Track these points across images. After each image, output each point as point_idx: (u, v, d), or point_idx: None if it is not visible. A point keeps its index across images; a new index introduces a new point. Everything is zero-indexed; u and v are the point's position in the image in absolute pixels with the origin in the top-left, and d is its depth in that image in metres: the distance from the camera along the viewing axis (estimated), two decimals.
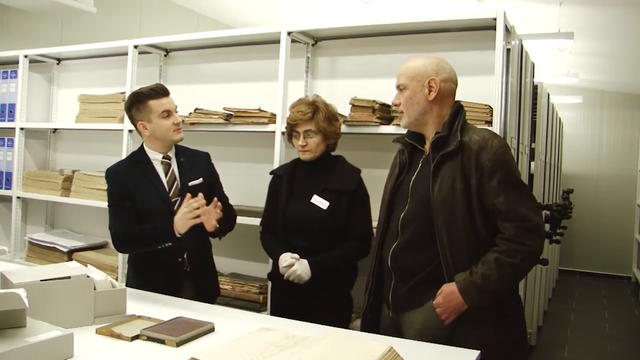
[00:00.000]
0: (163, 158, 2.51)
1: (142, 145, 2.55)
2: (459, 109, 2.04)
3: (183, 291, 2.41)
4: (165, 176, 2.50)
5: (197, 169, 2.56)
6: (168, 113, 2.44)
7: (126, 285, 2.50)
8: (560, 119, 6.83)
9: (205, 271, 2.60)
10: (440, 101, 2.02)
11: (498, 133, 2.43)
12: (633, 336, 5.53)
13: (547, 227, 4.50)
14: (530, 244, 1.90)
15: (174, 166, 2.53)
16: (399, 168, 2.14)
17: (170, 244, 2.31)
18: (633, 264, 7.94)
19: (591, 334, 5.51)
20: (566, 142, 8.25)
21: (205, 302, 2.21)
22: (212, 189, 2.56)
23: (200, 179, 2.53)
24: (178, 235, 2.27)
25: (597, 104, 8.84)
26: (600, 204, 8.67)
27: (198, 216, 2.22)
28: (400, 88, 2.06)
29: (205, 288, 2.53)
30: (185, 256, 2.48)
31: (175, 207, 2.41)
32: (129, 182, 2.45)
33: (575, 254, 8.58)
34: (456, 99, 2.09)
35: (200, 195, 2.26)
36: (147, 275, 2.49)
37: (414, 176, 2.05)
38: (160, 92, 2.45)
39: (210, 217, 2.28)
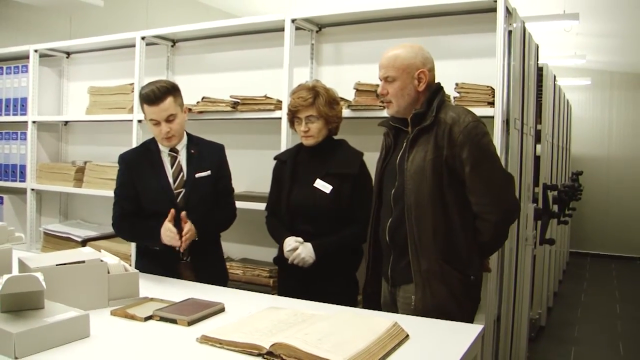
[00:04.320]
0: (170, 151, 2.52)
1: None
2: (437, 89, 2.15)
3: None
4: (171, 167, 2.51)
5: (207, 161, 2.55)
6: (156, 122, 2.42)
7: None
8: (568, 100, 6.80)
9: (208, 262, 2.55)
10: (426, 89, 2.13)
11: (500, 114, 2.48)
12: None
13: (555, 208, 4.52)
14: (490, 218, 2.03)
15: (181, 158, 2.53)
16: (385, 150, 2.25)
17: (157, 248, 2.39)
18: None
19: (601, 314, 5.53)
20: (575, 124, 8.20)
21: None
22: (219, 181, 2.58)
23: (209, 172, 2.53)
24: (163, 244, 2.33)
25: (606, 85, 8.77)
26: (611, 186, 8.64)
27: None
28: (388, 80, 2.13)
29: (207, 279, 2.35)
30: None
31: (177, 200, 2.46)
32: (135, 168, 2.49)
33: (586, 235, 8.57)
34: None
35: (188, 224, 2.32)
36: (147, 263, 2.49)
37: (400, 154, 2.15)
38: (150, 100, 2.38)
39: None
